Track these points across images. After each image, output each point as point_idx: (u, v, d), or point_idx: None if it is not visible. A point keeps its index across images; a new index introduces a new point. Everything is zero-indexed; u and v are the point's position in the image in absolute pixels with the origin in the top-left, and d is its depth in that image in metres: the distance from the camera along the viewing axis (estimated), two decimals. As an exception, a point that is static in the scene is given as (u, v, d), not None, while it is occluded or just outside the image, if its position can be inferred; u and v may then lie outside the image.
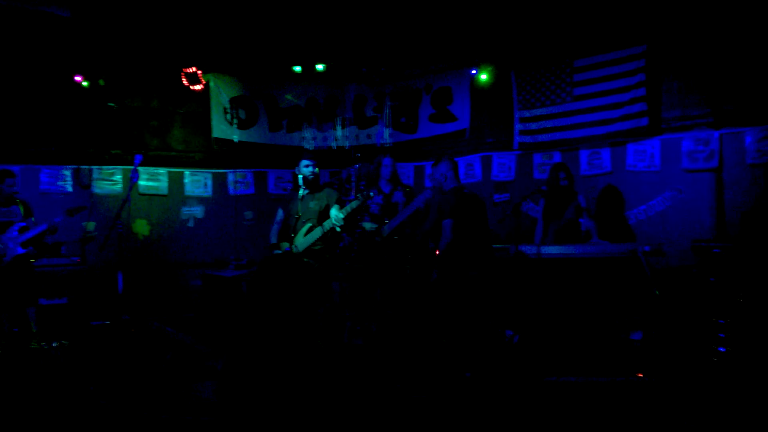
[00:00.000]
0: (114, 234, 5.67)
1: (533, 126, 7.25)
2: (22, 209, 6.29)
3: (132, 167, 5.77)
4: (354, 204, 5.36)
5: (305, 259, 5.41)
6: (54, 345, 6.31)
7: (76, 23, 6.87)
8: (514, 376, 4.98)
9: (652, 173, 6.46)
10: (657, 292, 5.32)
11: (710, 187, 6.09)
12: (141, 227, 7.58)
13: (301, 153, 5.74)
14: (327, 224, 5.39)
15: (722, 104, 6.08)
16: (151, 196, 7.84)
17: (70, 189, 7.58)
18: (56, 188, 7.52)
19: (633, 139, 6.55)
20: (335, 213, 5.41)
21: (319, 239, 5.43)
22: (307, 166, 5.56)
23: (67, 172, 7.59)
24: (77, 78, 7.27)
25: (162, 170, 7.99)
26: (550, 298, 5.89)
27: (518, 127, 7.37)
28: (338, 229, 5.45)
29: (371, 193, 5.45)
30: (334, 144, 8.40)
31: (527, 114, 7.29)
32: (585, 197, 6.16)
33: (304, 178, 5.56)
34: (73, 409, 4.37)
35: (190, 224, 8.03)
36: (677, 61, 6.31)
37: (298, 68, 8.06)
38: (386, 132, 8.28)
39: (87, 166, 7.65)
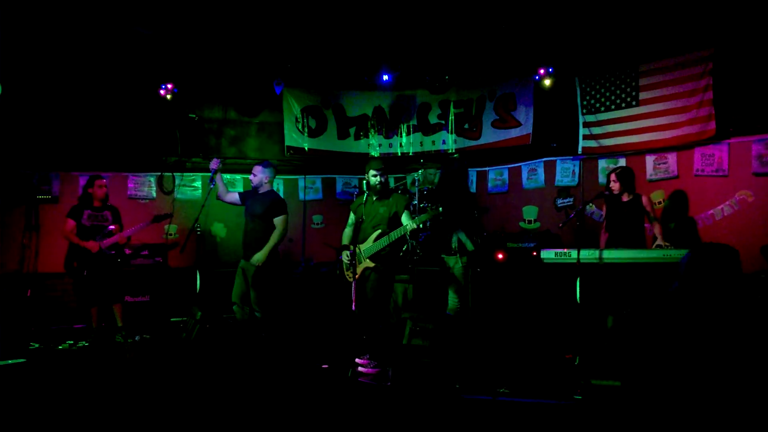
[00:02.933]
0: (194, 237, 6.00)
1: (597, 131, 7.22)
2: (112, 213, 6.72)
3: (209, 174, 6.11)
4: (424, 217, 5.37)
5: (371, 263, 5.57)
6: (137, 338, 6.76)
7: (159, 40, 7.33)
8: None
9: (719, 177, 6.32)
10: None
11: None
12: (218, 230, 7.98)
13: (368, 160, 5.84)
14: (398, 231, 5.43)
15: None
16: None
17: (154, 195, 8.10)
18: (142, 194, 8.05)
19: (700, 143, 6.43)
20: (407, 222, 5.48)
21: (387, 245, 5.52)
22: (375, 175, 5.61)
23: (152, 179, 8.12)
24: (161, 91, 7.77)
25: (238, 176, 8.43)
26: (612, 302, 5.89)
27: (582, 131, 7.36)
28: (408, 236, 5.57)
29: (440, 209, 5.51)
30: (399, 151, 8.63)
31: (591, 119, 7.27)
32: (649, 200, 6.10)
33: (373, 186, 5.64)
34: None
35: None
36: (745, 64, 6.16)
37: (365, 78, 8.34)
38: (450, 138, 8.43)
39: (170, 173, 8.16)
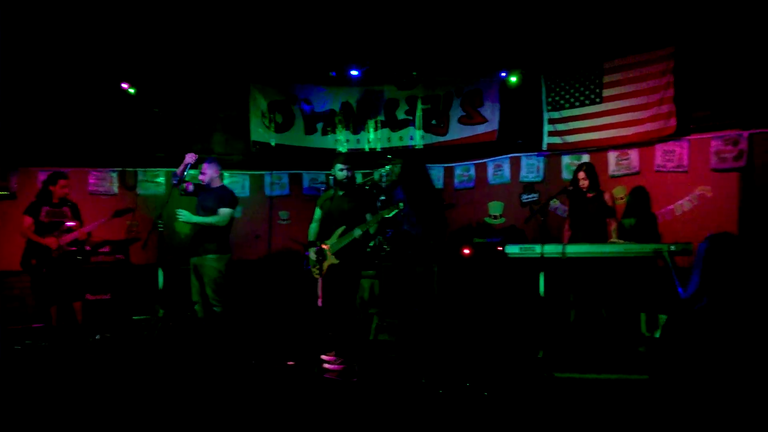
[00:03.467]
0: (156, 233, 5.90)
1: (562, 127, 7.30)
2: (72, 210, 6.59)
3: (174, 169, 6.04)
4: (386, 213, 5.39)
5: (336, 260, 5.54)
6: (98, 337, 6.59)
7: (122, 33, 7.17)
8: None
9: (680, 173, 6.43)
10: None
11: (739, 187, 6.04)
12: (182, 226, 7.86)
13: (335, 155, 5.86)
14: (361, 228, 5.44)
15: (751, 104, 6.01)
16: (193, 197, 8.11)
17: (116, 190, 7.92)
18: (104, 189, 7.87)
19: (661, 139, 6.53)
20: (369, 218, 5.50)
21: (351, 241, 5.51)
22: (342, 170, 5.62)
23: (114, 174, 7.93)
24: (124, 85, 7.60)
25: (203, 172, 8.29)
26: (576, 297, 5.97)
27: (547, 128, 7.43)
28: (372, 231, 5.57)
29: (401, 205, 5.52)
30: (366, 146, 8.59)
31: (556, 115, 7.35)
32: (611, 197, 6.18)
33: (339, 181, 5.64)
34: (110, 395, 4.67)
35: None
36: (706, 62, 6.27)
37: (332, 73, 8.29)
38: (418, 134, 8.43)
39: (132, 168, 7.99)
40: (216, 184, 6.08)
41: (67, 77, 7.57)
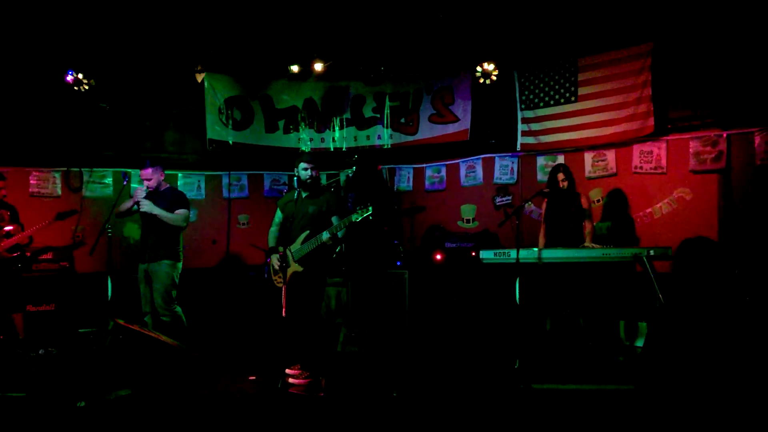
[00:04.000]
0: (105, 238, 5.52)
1: (536, 126, 7.11)
2: (10, 213, 6.22)
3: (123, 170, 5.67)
4: (356, 217, 5.08)
5: (300, 267, 5.19)
6: (41, 352, 6.21)
7: (67, 19, 6.68)
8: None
9: (658, 175, 6.31)
10: (660, 297, 5.08)
11: (718, 189, 5.94)
12: (131, 231, 7.40)
13: (298, 155, 5.53)
14: (327, 233, 5.11)
15: (730, 104, 5.92)
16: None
17: (59, 192, 7.43)
18: (46, 191, 7.37)
19: (639, 140, 6.39)
20: (336, 222, 5.17)
21: (316, 247, 5.19)
22: (305, 169, 5.28)
23: (57, 175, 7.44)
24: (68, 78, 7.09)
25: (155, 173, 7.82)
26: (551, 303, 5.76)
27: (521, 127, 7.24)
28: (340, 235, 5.23)
29: (370, 209, 5.19)
30: (331, 146, 8.25)
31: (530, 114, 7.14)
32: (587, 200, 5.97)
33: (303, 181, 5.31)
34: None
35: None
36: (684, 60, 6.15)
37: (294, 67, 7.89)
38: (386, 133, 8.13)
39: (77, 168, 7.51)
40: (163, 186, 5.78)
41: (8, 67, 7.04)
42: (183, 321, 5.60)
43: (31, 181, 7.32)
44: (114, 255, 5.67)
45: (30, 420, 4.24)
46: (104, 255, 5.75)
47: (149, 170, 5.64)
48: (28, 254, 6.41)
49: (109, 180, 7.65)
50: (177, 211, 5.61)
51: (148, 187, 5.63)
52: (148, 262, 5.55)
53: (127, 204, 5.64)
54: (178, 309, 5.59)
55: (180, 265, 5.66)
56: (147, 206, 5.48)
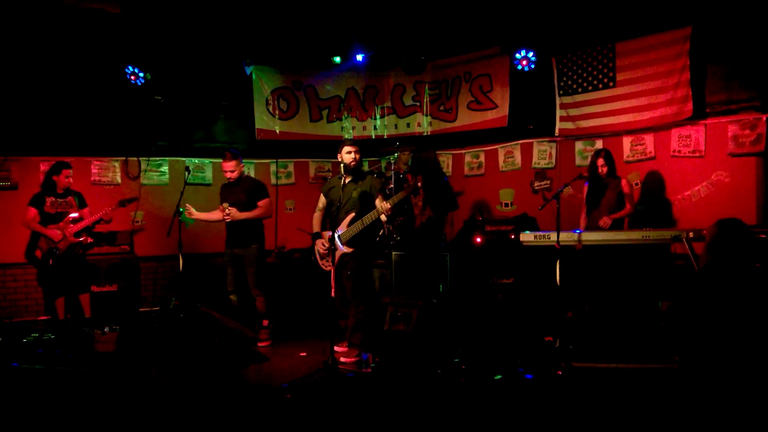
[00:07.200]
0: (177, 222, 5.90)
1: (574, 112, 7.16)
2: (77, 200, 6.48)
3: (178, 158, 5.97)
4: (401, 195, 5.27)
5: (349, 249, 5.44)
6: (106, 330, 6.53)
7: (125, 19, 7.02)
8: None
9: (696, 158, 6.32)
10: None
11: (756, 172, 5.93)
12: (186, 218, 7.77)
13: (342, 141, 5.72)
14: (372, 215, 5.28)
15: (770, 86, 5.89)
16: (197, 186, 7.88)
17: (119, 180, 7.75)
18: (107, 179, 7.70)
19: (677, 124, 6.40)
20: (380, 204, 5.32)
21: (363, 229, 5.37)
22: (349, 152, 5.41)
23: (116, 164, 7.76)
24: (127, 73, 7.40)
25: (207, 161, 8.13)
26: (591, 284, 5.89)
27: (559, 113, 7.28)
28: (384, 218, 5.43)
29: (419, 185, 5.40)
30: (373, 133, 8.47)
31: (568, 100, 7.20)
32: (628, 183, 6.07)
33: (346, 165, 5.43)
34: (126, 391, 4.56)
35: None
36: (723, 44, 6.11)
37: (337, 59, 8.13)
38: (425, 120, 8.30)
39: (135, 158, 7.83)
40: (242, 176, 6.12)
41: (67, 65, 7.38)
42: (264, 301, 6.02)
43: (93, 170, 7.64)
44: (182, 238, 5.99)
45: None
46: (160, 240, 6.07)
47: (232, 162, 5.92)
48: (92, 240, 6.61)
49: (165, 168, 7.96)
50: (259, 203, 5.96)
51: (230, 179, 5.93)
52: (238, 247, 5.94)
53: (215, 216, 6.03)
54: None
55: (264, 247, 6.08)
56: (235, 215, 5.84)
